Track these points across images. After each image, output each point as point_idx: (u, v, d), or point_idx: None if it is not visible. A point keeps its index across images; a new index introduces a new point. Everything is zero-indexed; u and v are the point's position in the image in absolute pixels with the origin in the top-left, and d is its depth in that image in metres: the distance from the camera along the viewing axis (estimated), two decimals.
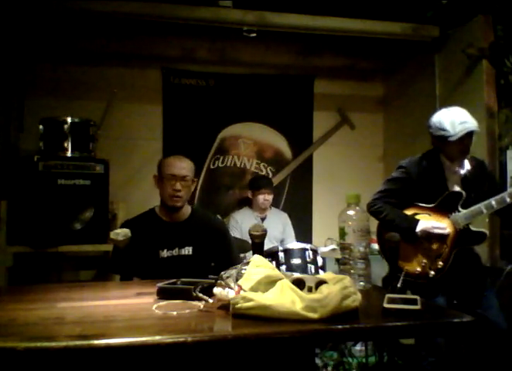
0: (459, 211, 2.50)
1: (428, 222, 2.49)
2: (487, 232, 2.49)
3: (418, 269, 2.48)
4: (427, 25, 3.90)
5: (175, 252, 2.36)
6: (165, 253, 2.35)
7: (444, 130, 2.47)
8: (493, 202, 2.42)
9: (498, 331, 2.45)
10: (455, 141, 2.45)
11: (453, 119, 2.47)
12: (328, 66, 4.71)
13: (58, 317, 1.38)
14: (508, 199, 2.39)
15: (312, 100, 4.74)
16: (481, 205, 2.45)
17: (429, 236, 2.47)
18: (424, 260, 2.49)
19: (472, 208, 2.47)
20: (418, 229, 2.48)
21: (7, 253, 3.26)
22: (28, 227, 3.26)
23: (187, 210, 2.47)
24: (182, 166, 2.38)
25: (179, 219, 2.43)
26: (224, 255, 2.40)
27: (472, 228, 2.50)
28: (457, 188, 2.54)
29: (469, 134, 2.47)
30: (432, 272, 2.46)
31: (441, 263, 2.47)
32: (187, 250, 2.37)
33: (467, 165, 2.57)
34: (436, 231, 2.46)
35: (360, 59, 4.74)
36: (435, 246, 2.50)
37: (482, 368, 2.57)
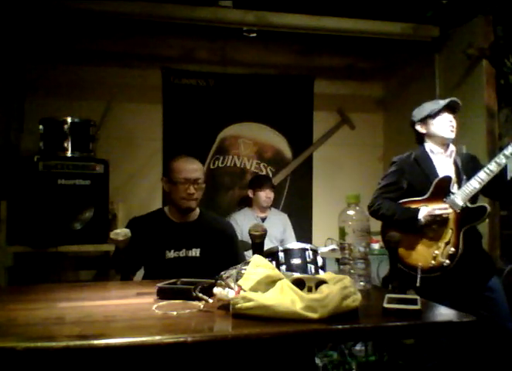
0: (452, 194, 2.51)
1: (429, 207, 2.50)
2: (488, 206, 2.48)
3: (432, 262, 2.47)
4: (427, 25, 3.90)
5: (182, 253, 2.33)
6: (171, 254, 2.33)
7: (426, 109, 2.64)
8: (482, 174, 2.44)
9: (505, 333, 2.45)
10: (438, 115, 2.58)
11: (433, 100, 2.71)
12: (328, 66, 4.72)
13: (58, 317, 1.37)
14: (495, 168, 2.43)
15: (312, 100, 4.74)
16: (471, 181, 2.47)
17: (433, 219, 2.47)
18: (436, 251, 2.48)
19: (464, 186, 2.49)
20: (421, 215, 2.48)
21: (7, 253, 3.26)
22: (28, 227, 3.26)
23: (196, 211, 2.45)
24: (194, 169, 2.36)
25: (187, 219, 2.42)
26: (231, 258, 2.37)
27: (471, 205, 2.50)
28: (445, 173, 2.56)
29: (452, 109, 2.60)
30: (447, 260, 2.45)
31: (452, 248, 2.46)
32: (195, 252, 2.35)
33: (453, 149, 2.62)
34: (438, 212, 2.46)
35: (360, 59, 4.74)
36: (441, 234, 2.49)
37: (487, 369, 2.57)
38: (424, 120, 2.63)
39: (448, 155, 2.61)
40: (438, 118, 2.59)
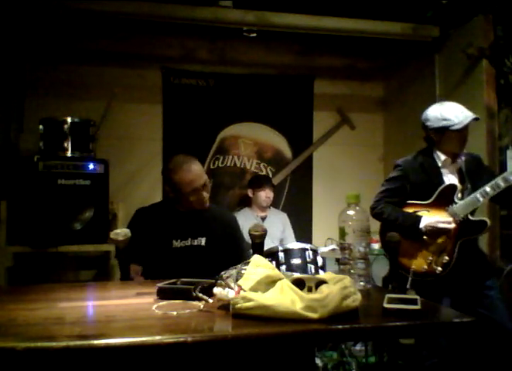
0: (455, 203, 2.50)
1: (432, 217, 2.50)
2: (488, 220, 2.48)
3: (425, 267, 2.48)
4: (427, 25, 3.90)
5: (187, 242, 2.34)
6: (178, 243, 2.33)
7: (446, 119, 2.49)
8: (488, 189, 2.43)
9: (504, 331, 2.45)
10: (457, 131, 2.48)
11: (454, 110, 2.53)
12: (328, 66, 4.71)
13: (58, 317, 1.37)
14: (502, 184, 2.40)
15: (312, 100, 4.74)
16: (476, 194, 2.46)
17: (434, 231, 2.47)
18: (430, 257, 2.49)
19: (468, 198, 2.48)
20: (422, 224, 2.48)
21: (7, 253, 3.26)
22: (28, 227, 3.26)
23: None
24: (198, 174, 2.32)
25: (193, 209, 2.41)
26: (235, 248, 2.39)
27: (472, 218, 2.50)
28: (451, 181, 2.55)
29: (468, 125, 2.52)
30: (439, 268, 2.46)
31: (446, 257, 2.46)
32: (200, 241, 2.35)
33: (462, 159, 2.59)
34: (441, 225, 2.46)
35: (360, 59, 4.74)
36: (438, 242, 2.49)
37: (486, 369, 2.57)
38: (440, 130, 2.53)
39: (455, 164, 2.59)
40: (455, 133, 2.50)
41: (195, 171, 2.31)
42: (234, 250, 2.36)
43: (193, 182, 2.28)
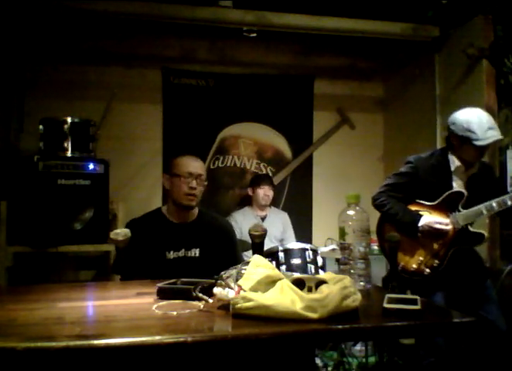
0: (459, 211, 2.50)
1: (431, 217, 2.49)
2: (486, 233, 2.49)
3: (414, 266, 2.49)
4: (427, 25, 3.90)
5: (181, 253, 2.33)
6: (171, 255, 2.32)
7: (472, 132, 2.41)
8: (494, 204, 2.43)
9: (498, 332, 2.46)
10: (478, 146, 2.42)
11: (482, 123, 2.42)
12: (328, 66, 4.72)
13: (58, 317, 1.38)
14: (509, 202, 2.40)
15: (312, 100, 4.74)
16: (481, 207, 2.45)
17: (430, 231, 2.47)
18: (421, 258, 2.50)
19: (473, 208, 2.47)
20: (421, 223, 2.47)
21: (7, 253, 3.26)
22: (28, 227, 3.26)
23: (195, 211, 2.43)
24: (198, 165, 2.38)
25: (186, 219, 2.40)
26: (230, 258, 2.36)
27: (471, 229, 2.50)
28: (459, 188, 2.54)
29: (490, 144, 2.46)
30: (427, 270, 2.47)
31: (437, 261, 2.48)
32: (194, 252, 2.34)
33: (475, 167, 2.57)
34: (438, 226, 2.45)
35: (360, 59, 4.75)
36: (432, 244, 2.50)
37: (482, 368, 2.57)
38: (461, 138, 2.46)
39: (468, 172, 2.57)
40: (476, 147, 2.44)
41: (196, 159, 2.40)
42: (230, 259, 2.31)
43: (190, 166, 2.34)
